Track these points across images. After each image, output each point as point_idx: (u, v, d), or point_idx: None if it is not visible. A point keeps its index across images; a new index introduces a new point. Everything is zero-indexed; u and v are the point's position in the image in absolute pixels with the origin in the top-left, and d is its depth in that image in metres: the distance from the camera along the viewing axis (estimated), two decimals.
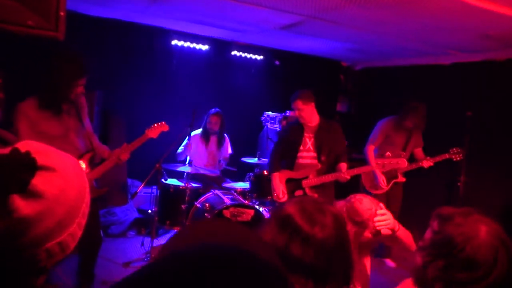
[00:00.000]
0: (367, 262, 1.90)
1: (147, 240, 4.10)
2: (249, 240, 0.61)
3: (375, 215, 1.70)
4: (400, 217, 4.42)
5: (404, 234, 1.89)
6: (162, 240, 4.55)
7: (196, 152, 4.72)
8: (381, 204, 1.82)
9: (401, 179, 4.28)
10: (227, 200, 3.80)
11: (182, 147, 4.74)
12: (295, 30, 4.34)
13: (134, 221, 4.66)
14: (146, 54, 5.11)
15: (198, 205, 4.01)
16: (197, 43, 5.34)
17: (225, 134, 4.91)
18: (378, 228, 1.71)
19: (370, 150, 4.31)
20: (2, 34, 1.72)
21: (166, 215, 4.13)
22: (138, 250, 4.24)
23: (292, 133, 3.77)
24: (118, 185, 4.67)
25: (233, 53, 5.64)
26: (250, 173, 4.46)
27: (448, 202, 4.47)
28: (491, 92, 4.44)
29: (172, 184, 4.17)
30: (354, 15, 3.45)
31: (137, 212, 4.82)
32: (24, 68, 4.26)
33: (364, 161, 4.43)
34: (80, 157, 2.82)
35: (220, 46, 5.53)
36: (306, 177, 3.64)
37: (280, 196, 3.67)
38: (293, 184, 3.69)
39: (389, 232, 1.78)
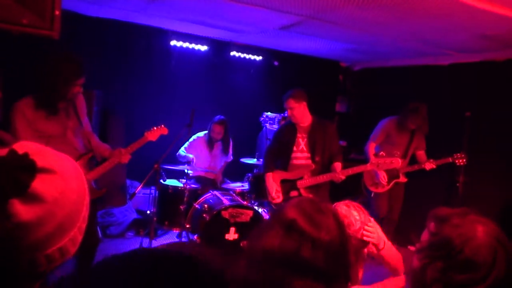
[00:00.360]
0: (360, 272, 1.89)
1: (146, 241, 4.09)
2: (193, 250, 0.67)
3: (353, 224, 1.68)
4: (400, 218, 4.43)
5: (391, 255, 1.86)
6: (161, 241, 4.54)
7: (198, 155, 4.71)
8: (372, 219, 1.79)
9: (403, 179, 4.28)
10: (226, 201, 3.80)
11: (184, 150, 4.73)
12: (294, 31, 4.33)
13: (132, 222, 4.65)
14: (145, 55, 5.10)
15: (196, 206, 4.00)
16: (196, 43, 5.33)
17: (230, 140, 4.90)
18: (363, 237, 1.70)
19: (371, 147, 4.33)
20: None
21: (164, 216, 4.13)
22: None
23: (285, 133, 3.75)
24: (116, 185, 4.65)
25: (232, 53, 5.63)
26: (249, 174, 4.45)
27: (447, 202, 4.46)
28: (489, 92, 4.44)
29: (170, 185, 4.16)
30: (352, 15, 3.45)
31: (136, 213, 4.81)
32: (20, 67, 4.26)
33: (363, 161, 4.42)
34: (79, 157, 2.80)
35: (219, 47, 5.53)
36: (301, 178, 3.63)
37: (274, 196, 3.65)
38: (288, 185, 3.68)
39: (373, 248, 1.77)
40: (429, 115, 4.10)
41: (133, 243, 4.41)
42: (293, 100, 3.54)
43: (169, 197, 4.13)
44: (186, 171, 4.08)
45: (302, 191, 3.62)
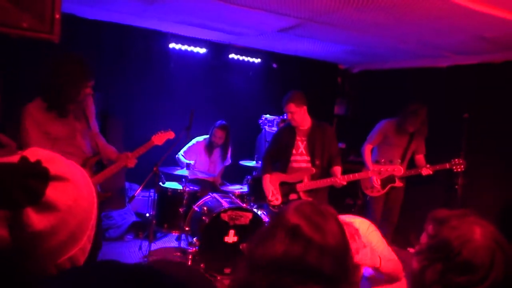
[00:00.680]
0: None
1: (145, 243, 4.09)
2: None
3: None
4: (398, 220, 4.43)
5: (390, 267, 1.86)
6: (160, 244, 4.53)
7: (197, 160, 4.71)
8: (365, 244, 1.76)
9: (399, 183, 4.22)
10: (225, 204, 3.79)
11: (183, 154, 4.72)
12: (292, 33, 4.34)
13: (131, 224, 4.64)
14: (144, 57, 5.10)
15: (196, 209, 3.99)
16: (195, 46, 5.34)
17: (230, 146, 4.89)
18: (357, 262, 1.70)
19: (368, 149, 4.27)
20: None
21: (164, 219, 4.12)
22: (135, 254, 4.22)
23: (284, 136, 3.74)
24: (115, 188, 4.65)
25: (230, 56, 5.64)
26: (248, 176, 4.45)
27: (447, 204, 4.47)
28: (488, 94, 4.45)
29: (170, 188, 4.16)
30: (351, 17, 3.45)
31: (135, 216, 4.81)
32: (20, 70, 4.26)
33: (362, 164, 4.42)
34: (86, 160, 2.80)
35: (218, 49, 5.53)
36: (301, 181, 3.62)
37: (270, 198, 3.65)
38: (287, 188, 3.67)
39: (372, 270, 1.77)
40: (428, 117, 4.09)
41: (132, 246, 4.41)
42: (294, 104, 3.52)
43: (168, 199, 4.13)
44: (185, 174, 4.07)
45: (301, 194, 3.62)
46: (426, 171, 4.03)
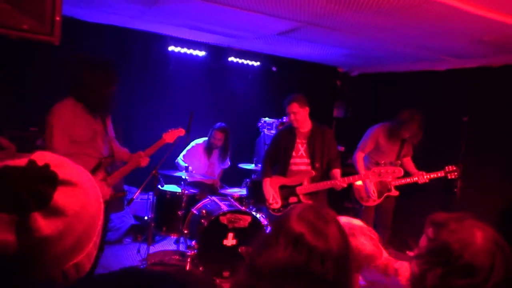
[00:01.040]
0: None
1: (143, 247, 4.07)
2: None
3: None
4: (396, 224, 4.43)
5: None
6: (158, 247, 4.52)
7: (196, 162, 4.71)
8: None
9: (394, 192, 4.14)
10: (224, 207, 3.79)
11: (182, 158, 4.72)
12: (292, 36, 4.35)
13: (130, 227, 4.63)
14: (143, 60, 5.11)
15: (194, 212, 3.99)
16: (194, 49, 5.34)
17: (229, 148, 4.88)
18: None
19: (360, 157, 4.15)
20: None
21: (162, 222, 4.11)
22: (134, 257, 4.21)
23: (284, 139, 3.74)
24: (114, 191, 4.64)
25: (230, 59, 5.64)
26: (247, 179, 4.45)
27: (445, 207, 4.47)
28: (486, 97, 4.46)
29: (168, 191, 4.15)
30: (350, 20, 3.47)
31: (133, 219, 4.79)
32: (18, 71, 4.26)
33: None
34: (101, 161, 2.84)
35: (217, 52, 5.54)
36: (300, 184, 3.62)
37: (271, 201, 3.64)
38: (287, 191, 3.67)
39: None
40: (426, 121, 4.08)
41: (131, 249, 4.39)
42: (297, 104, 3.53)
43: (167, 202, 4.12)
44: (183, 177, 4.07)
45: (301, 197, 3.62)
46: (423, 179, 3.98)
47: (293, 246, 1.03)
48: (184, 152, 4.76)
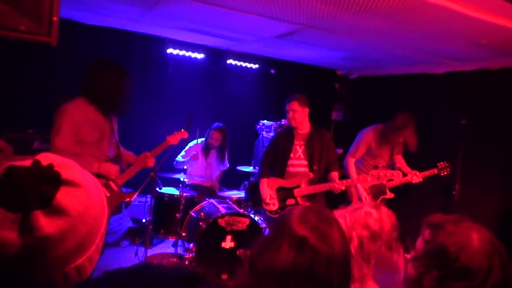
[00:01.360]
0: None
1: (141, 249, 4.06)
2: None
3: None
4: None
5: None
6: (156, 250, 4.50)
7: (194, 163, 4.70)
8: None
9: (390, 195, 4.09)
10: (222, 209, 3.77)
11: (181, 157, 4.72)
12: (290, 39, 4.35)
13: (128, 230, 4.61)
14: (142, 62, 5.10)
15: (193, 214, 3.97)
16: (193, 51, 5.34)
17: (227, 149, 4.87)
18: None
19: (351, 163, 4.08)
20: None
21: (160, 224, 4.10)
22: (132, 260, 4.19)
23: (282, 140, 3.73)
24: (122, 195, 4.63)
25: (228, 61, 5.65)
26: (246, 182, 4.44)
27: (443, 210, 4.46)
28: (485, 100, 4.47)
29: (166, 193, 4.14)
30: (349, 23, 3.47)
31: (131, 221, 4.77)
32: (15, 72, 4.25)
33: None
34: (107, 161, 2.85)
35: (216, 55, 5.54)
36: (298, 186, 3.61)
37: (268, 201, 3.63)
38: (284, 193, 3.66)
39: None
40: (425, 123, 4.08)
41: (128, 251, 4.37)
42: (298, 102, 3.54)
43: (165, 205, 4.11)
44: (182, 179, 4.06)
45: (299, 199, 3.61)
46: (417, 179, 3.95)
47: (297, 248, 1.03)
48: (182, 153, 4.76)
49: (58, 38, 1.57)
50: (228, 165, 4.98)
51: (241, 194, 4.49)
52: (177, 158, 4.73)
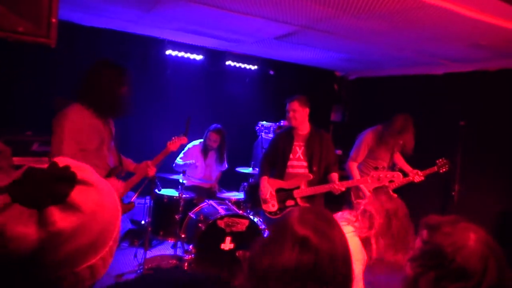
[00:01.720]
0: None
1: (140, 251, 4.04)
2: None
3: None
4: None
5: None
6: (155, 252, 4.49)
7: (193, 164, 4.70)
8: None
9: (392, 195, 4.11)
10: (221, 210, 3.77)
11: (180, 159, 4.71)
12: (289, 40, 4.36)
13: (127, 232, 4.60)
14: (140, 64, 5.11)
15: (192, 216, 3.96)
16: (191, 53, 5.34)
17: (225, 150, 4.86)
18: None
19: (353, 167, 4.04)
20: None
21: (159, 226, 4.09)
22: (131, 261, 4.18)
23: (282, 140, 3.73)
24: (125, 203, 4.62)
25: (227, 63, 5.65)
26: (245, 183, 4.44)
27: (443, 211, 4.47)
28: (483, 101, 4.48)
29: (166, 195, 4.13)
30: (347, 25, 3.47)
31: (130, 223, 4.76)
32: (14, 74, 4.24)
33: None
34: (110, 172, 2.75)
35: (215, 56, 5.54)
36: (298, 187, 3.61)
37: (267, 197, 3.62)
38: (284, 194, 3.65)
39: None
40: (424, 124, 4.08)
41: (127, 254, 4.36)
42: (298, 102, 3.55)
43: (164, 206, 4.09)
44: (181, 181, 4.05)
45: (298, 200, 3.60)
46: (418, 178, 3.95)
47: (300, 248, 1.04)
48: (181, 154, 4.75)
49: (56, 39, 1.56)
50: (227, 166, 4.97)
51: (240, 195, 4.48)
52: (176, 161, 4.72)
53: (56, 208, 0.68)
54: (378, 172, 3.43)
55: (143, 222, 4.55)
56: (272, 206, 3.65)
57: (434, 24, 3.19)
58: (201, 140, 4.82)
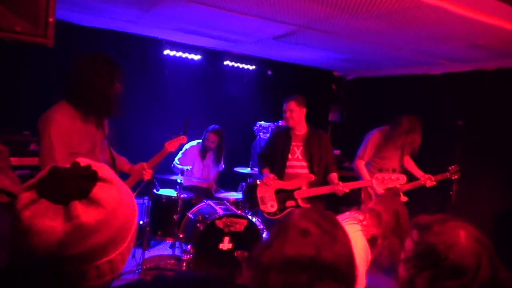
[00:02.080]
0: None
1: (139, 251, 4.04)
2: None
3: None
4: None
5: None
6: (153, 252, 4.48)
7: (192, 165, 4.70)
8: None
9: (404, 198, 4.02)
10: (219, 210, 3.77)
11: (178, 161, 4.71)
12: (287, 40, 4.36)
13: None
14: (138, 64, 5.09)
15: (190, 216, 3.96)
16: (190, 53, 5.34)
17: (223, 150, 4.86)
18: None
19: (361, 165, 4.06)
20: None
21: (158, 226, 4.08)
22: (129, 262, 4.17)
23: (279, 140, 3.72)
24: None
25: (225, 63, 5.65)
26: (243, 183, 4.43)
27: (441, 211, 4.47)
28: (481, 101, 4.49)
29: (164, 195, 4.13)
30: (346, 25, 3.48)
31: None
32: (12, 74, 4.23)
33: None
34: None
35: (213, 56, 5.54)
36: (299, 188, 3.60)
37: (270, 182, 3.60)
38: (284, 195, 3.64)
39: None
40: (422, 124, 4.08)
41: None
42: (295, 102, 3.55)
43: (162, 207, 4.09)
44: (179, 181, 4.05)
45: (299, 201, 3.59)
46: (430, 182, 3.95)
47: (301, 237, 1.06)
48: (179, 155, 4.75)
49: (54, 39, 1.56)
50: (223, 166, 4.97)
51: (239, 195, 4.48)
52: (175, 162, 4.72)
53: (80, 203, 0.73)
54: (382, 174, 3.43)
55: (141, 222, 4.53)
56: (271, 206, 3.64)
57: (432, 24, 3.19)
58: (199, 140, 4.82)
